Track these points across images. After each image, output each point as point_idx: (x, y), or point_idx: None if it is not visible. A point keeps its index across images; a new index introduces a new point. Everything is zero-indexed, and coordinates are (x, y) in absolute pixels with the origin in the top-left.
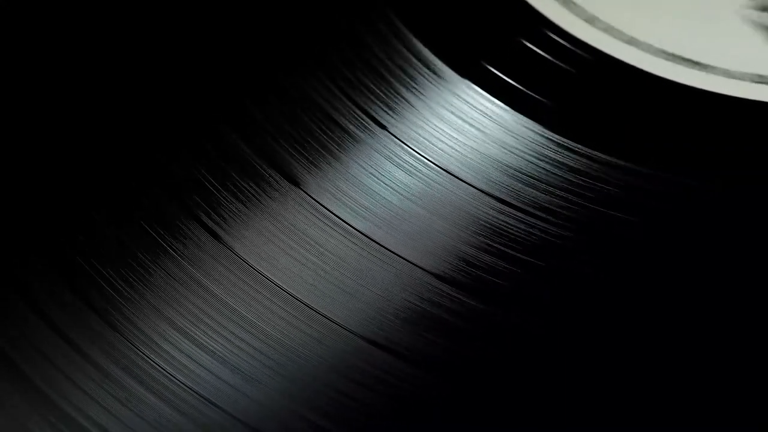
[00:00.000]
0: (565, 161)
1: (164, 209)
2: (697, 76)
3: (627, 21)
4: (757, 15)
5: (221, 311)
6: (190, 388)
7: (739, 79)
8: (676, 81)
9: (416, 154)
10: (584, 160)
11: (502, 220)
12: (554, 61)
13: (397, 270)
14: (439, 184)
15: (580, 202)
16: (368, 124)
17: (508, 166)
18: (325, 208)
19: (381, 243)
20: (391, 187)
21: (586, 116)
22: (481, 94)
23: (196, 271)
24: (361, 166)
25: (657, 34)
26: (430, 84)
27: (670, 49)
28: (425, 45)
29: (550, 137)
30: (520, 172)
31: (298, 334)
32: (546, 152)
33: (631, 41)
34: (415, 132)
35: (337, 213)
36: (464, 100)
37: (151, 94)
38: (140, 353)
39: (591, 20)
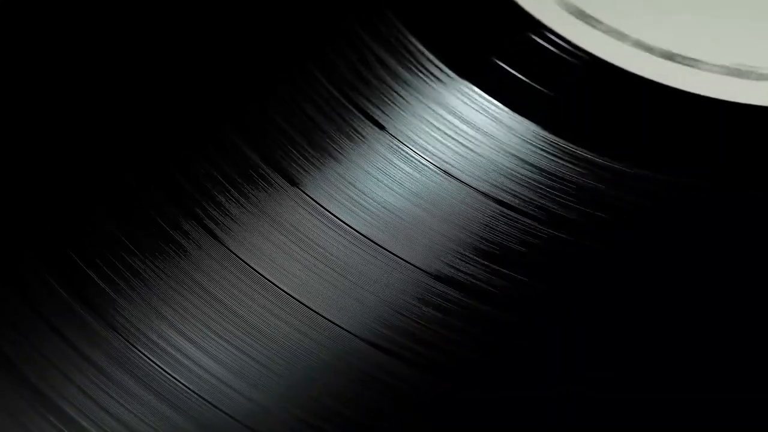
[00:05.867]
0: (564, 163)
1: (164, 209)
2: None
3: (630, 24)
4: None
5: (219, 311)
6: (190, 389)
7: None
8: (674, 84)
9: (415, 154)
10: (584, 162)
11: (501, 221)
12: (555, 62)
13: (396, 270)
14: (437, 184)
15: (579, 204)
16: (367, 125)
17: (507, 167)
18: (325, 208)
19: (380, 243)
20: (390, 188)
21: (587, 118)
22: (480, 94)
23: (195, 271)
24: (360, 166)
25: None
26: (429, 84)
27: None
28: (425, 45)
29: (550, 139)
30: (519, 174)
31: (297, 335)
32: (545, 154)
33: (637, 44)
34: (414, 132)
35: (336, 213)
36: (464, 100)
37: (151, 93)
38: (140, 353)
39: (593, 24)
